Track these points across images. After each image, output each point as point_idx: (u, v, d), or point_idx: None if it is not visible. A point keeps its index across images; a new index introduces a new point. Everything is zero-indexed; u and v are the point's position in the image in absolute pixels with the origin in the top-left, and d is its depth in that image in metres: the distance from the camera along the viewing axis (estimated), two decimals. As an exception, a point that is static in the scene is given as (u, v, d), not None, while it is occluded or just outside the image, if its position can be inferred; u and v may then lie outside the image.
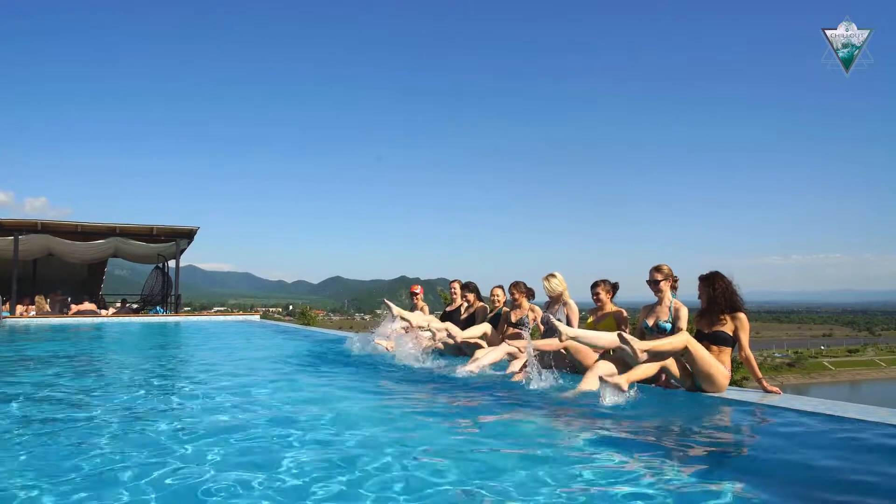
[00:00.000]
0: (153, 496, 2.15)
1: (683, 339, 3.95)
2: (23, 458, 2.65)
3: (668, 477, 2.37)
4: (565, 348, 4.83)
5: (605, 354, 4.46)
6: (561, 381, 4.42)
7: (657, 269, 4.62)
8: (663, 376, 4.28)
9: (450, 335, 6.13)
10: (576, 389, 4.12)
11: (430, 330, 6.28)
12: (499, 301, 6.47)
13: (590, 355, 4.77)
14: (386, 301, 6.86)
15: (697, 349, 3.95)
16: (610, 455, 2.72)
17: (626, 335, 3.91)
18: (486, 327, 6.14)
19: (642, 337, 4.55)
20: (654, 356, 3.94)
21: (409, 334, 6.31)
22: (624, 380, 3.77)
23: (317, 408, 3.82)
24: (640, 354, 3.86)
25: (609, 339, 4.29)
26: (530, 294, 6.07)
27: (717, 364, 4.02)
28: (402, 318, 6.54)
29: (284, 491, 2.21)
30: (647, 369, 3.94)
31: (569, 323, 5.38)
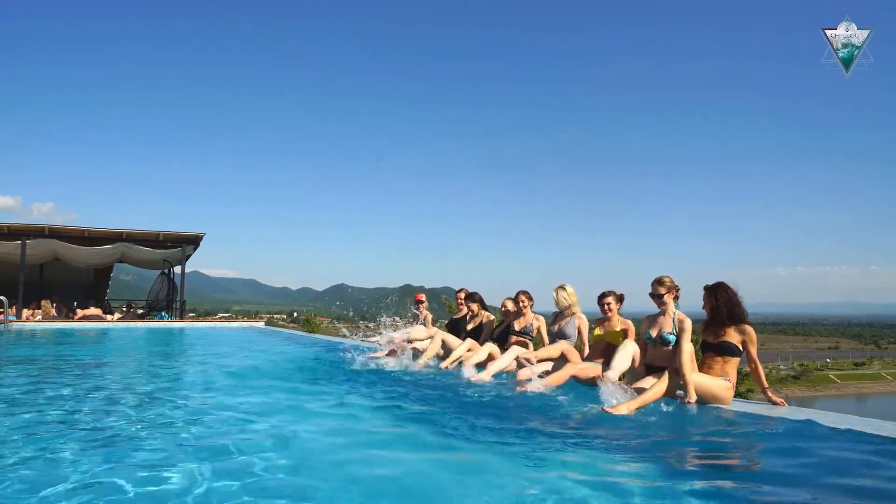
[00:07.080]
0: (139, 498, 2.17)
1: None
2: (20, 458, 2.68)
3: (670, 487, 2.37)
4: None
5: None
6: (567, 391, 4.41)
7: (659, 282, 4.52)
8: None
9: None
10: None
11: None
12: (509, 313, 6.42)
13: (596, 371, 4.80)
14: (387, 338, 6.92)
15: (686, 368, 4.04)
16: (613, 466, 2.73)
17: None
18: (490, 347, 6.08)
19: (645, 348, 4.54)
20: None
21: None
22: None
23: (319, 414, 3.83)
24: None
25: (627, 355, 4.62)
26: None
27: (710, 384, 4.01)
28: (410, 341, 6.67)
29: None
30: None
31: (579, 335, 5.42)
